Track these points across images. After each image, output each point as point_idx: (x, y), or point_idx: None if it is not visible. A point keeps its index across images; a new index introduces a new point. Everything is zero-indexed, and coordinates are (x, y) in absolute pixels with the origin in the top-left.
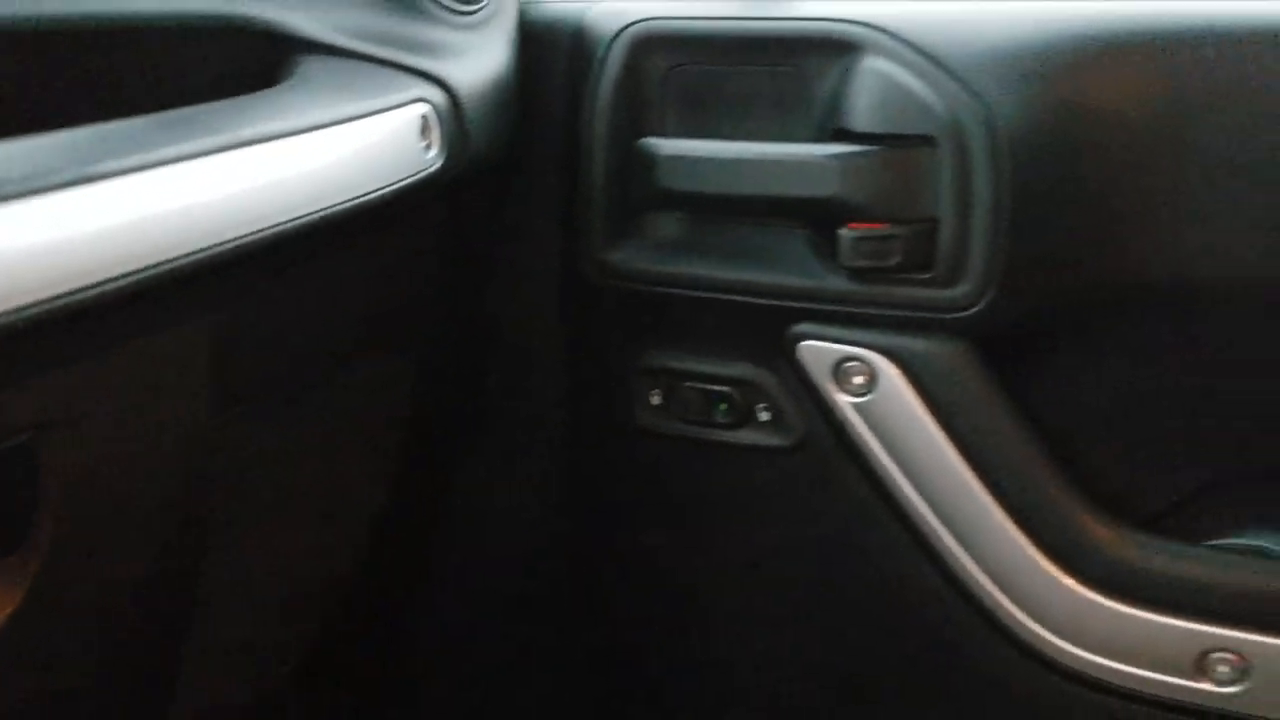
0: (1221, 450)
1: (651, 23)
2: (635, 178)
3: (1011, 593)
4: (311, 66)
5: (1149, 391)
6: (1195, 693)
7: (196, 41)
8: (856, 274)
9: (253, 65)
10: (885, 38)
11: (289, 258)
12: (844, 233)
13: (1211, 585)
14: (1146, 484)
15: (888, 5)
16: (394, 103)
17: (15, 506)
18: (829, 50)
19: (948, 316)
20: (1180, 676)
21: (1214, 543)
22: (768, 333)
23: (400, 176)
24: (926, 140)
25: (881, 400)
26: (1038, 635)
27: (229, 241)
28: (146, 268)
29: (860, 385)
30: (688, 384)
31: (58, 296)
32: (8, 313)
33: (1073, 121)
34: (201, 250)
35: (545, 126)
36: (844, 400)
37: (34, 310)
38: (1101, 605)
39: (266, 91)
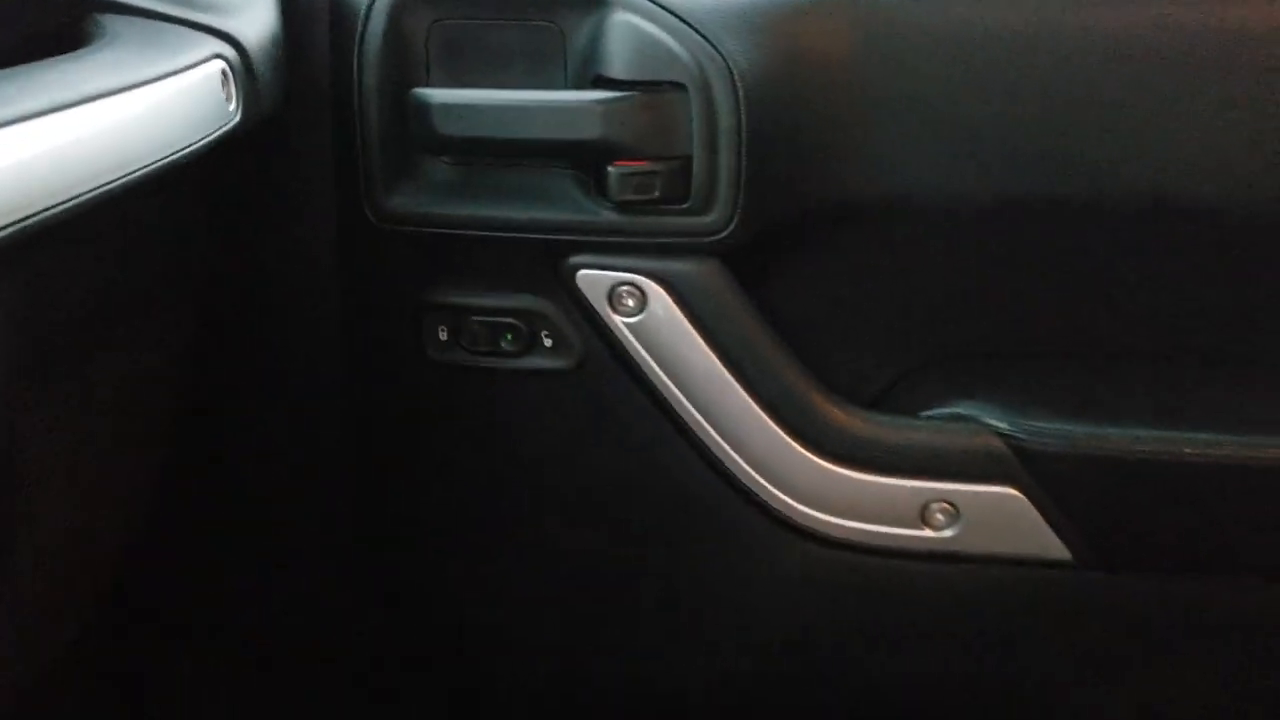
0: (928, 338)
1: None
2: (409, 126)
3: (766, 473)
4: (117, 25)
5: (866, 292)
6: (919, 539)
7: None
8: (623, 207)
9: (56, 26)
10: None
11: (102, 218)
12: (611, 170)
13: (927, 448)
14: (870, 370)
15: None
16: (198, 58)
17: None
18: (582, 6)
19: (703, 240)
20: (906, 527)
21: (926, 413)
22: (546, 265)
23: (209, 130)
24: (677, 86)
25: (651, 318)
26: (790, 505)
27: (52, 207)
28: None
29: (632, 307)
30: (474, 318)
31: None
32: None
33: (794, 67)
34: (26, 216)
35: (314, 83)
36: (619, 321)
37: None
38: (839, 474)
39: (80, 51)
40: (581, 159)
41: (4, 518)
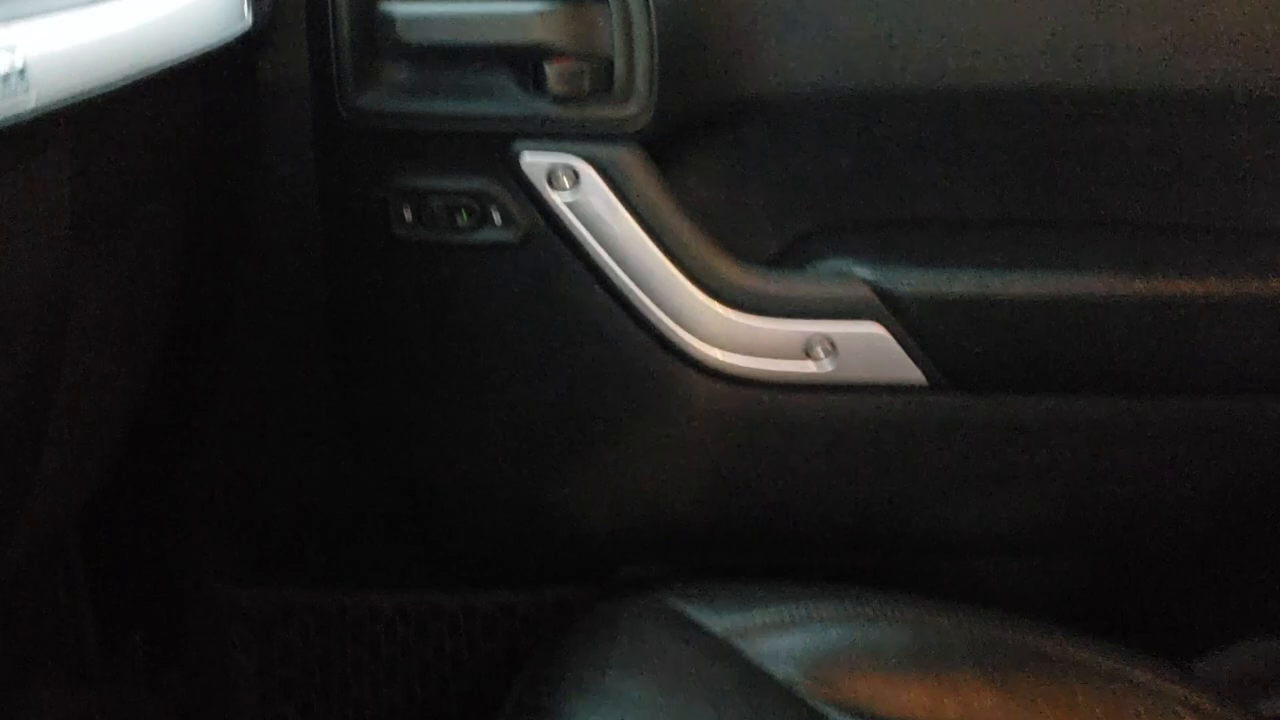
0: (815, 210)
1: None
2: (376, 36)
3: (682, 321)
4: None
5: (764, 173)
6: (805, 373)
7: None
8: (558, 100)
9: None
10: None
11: (143, 101)
12: (548, 68)
13: (809, 295)
14: (767, 237)
15: None
16: None
17: None
18: None
19: (625, 129)
20: (794, 360)
21: (810, 268)
22: (494, 151)
23: (228, 32)
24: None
25: (584, 195)
26: (702, 349)
27: (100, 86)
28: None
29: (568, 185)
30: (433, 199)
31: None
32: None
33: None
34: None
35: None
36: (557, 198)
37: None
38: (740, 320)
39: None
40: (522, 60)
41: (53, 360)
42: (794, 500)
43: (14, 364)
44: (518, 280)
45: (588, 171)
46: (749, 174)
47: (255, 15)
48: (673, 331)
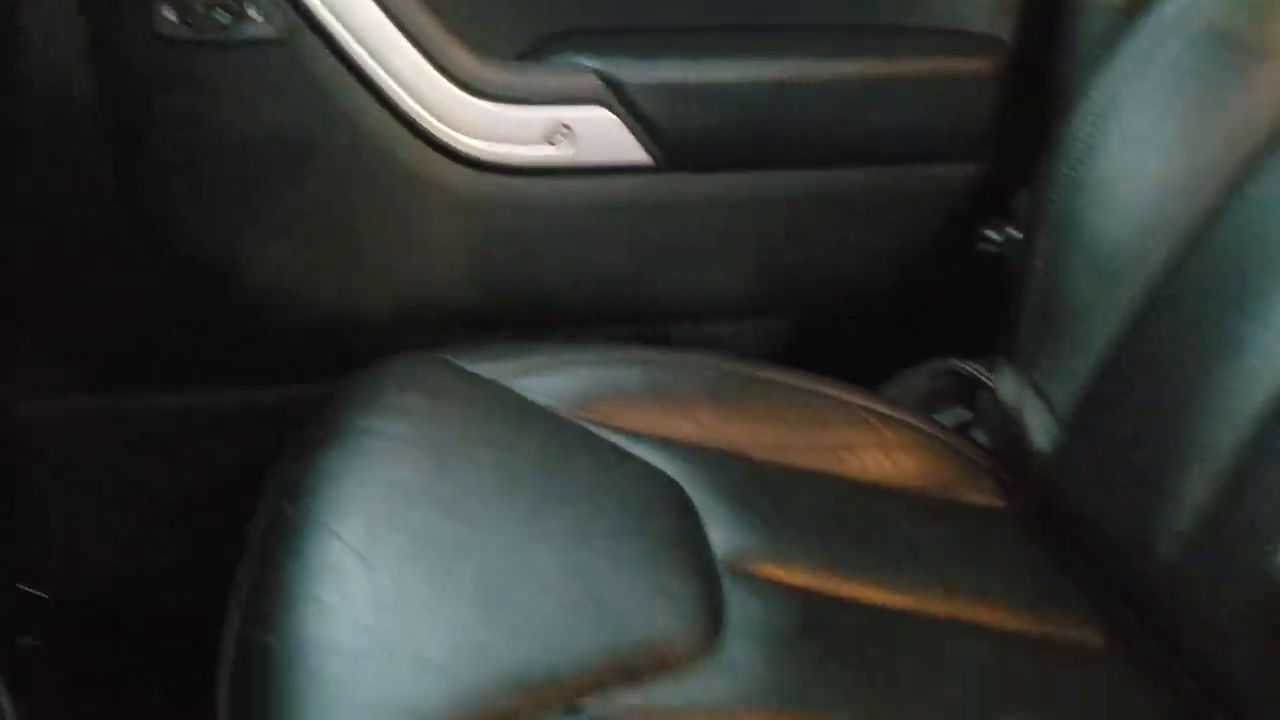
0: (558, 13)
1: None
2: None
3: (434, 111)
4: None
5: None
6: (546, 157)
7: None
8: None
9: None
10: None
11: None
12: None
13: (547, 84)
14: (516, 37)
15: None
16: None
17: None
18: None
19: None
20: (536, 146)
21: (548, 59)
22: None
23: None
24: None
25: None
26: (451, 136)
27: None
28: None
29: None
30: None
31: None
32: None
33: None
34: None
35: None
36: None
37: None
38: (486, 108)
39: None
40: None
41: None
42: (547, 279)
43: None
44: (280, 77)
45: None
46: None
47: None
48: (426, 121)
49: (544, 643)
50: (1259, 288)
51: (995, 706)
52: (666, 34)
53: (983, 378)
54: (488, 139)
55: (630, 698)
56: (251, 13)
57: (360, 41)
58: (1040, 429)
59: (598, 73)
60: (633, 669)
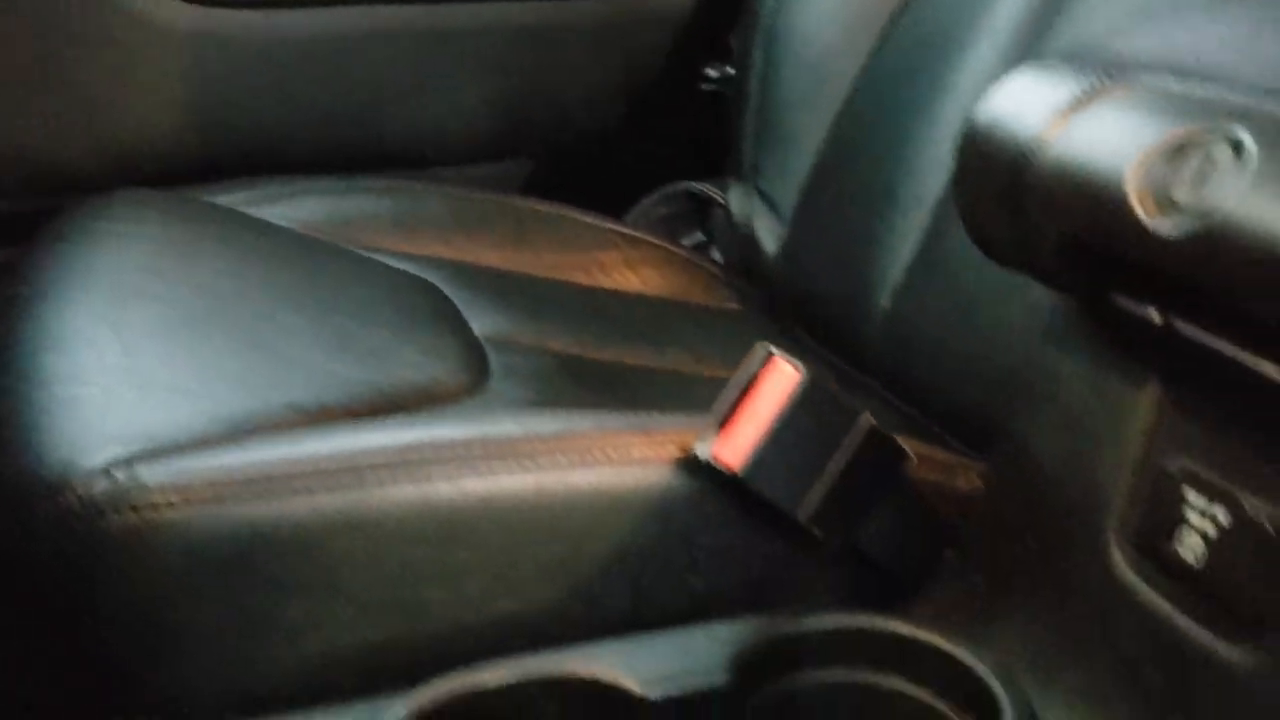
0: None
1: None
2: None
3: None
4: None
5: None
6: None
7: None
8: None
9: None
10: None
11: None
12: None
13: None
14: None
15: None
16: None
17: None
18: None
19: None
20: None
21: None
22: None
23: None
24: None
25: None
26: None
27: None
28: None
29: None
30: None
31: None
32: None
33: None
34: None
35: None
36: None
37: None
38: None
39: None
40: None
41: None
42: (271, 121)
43: None
44: None
45: None
46: None
47: None
48: None
49: (306, 377)
50: (942, 63)
51: None
52: None
53: (716, 197)
54: None
55: (407, 425)
56: None
57: None
58: (769, 233)
59: None
60: (402, 403)
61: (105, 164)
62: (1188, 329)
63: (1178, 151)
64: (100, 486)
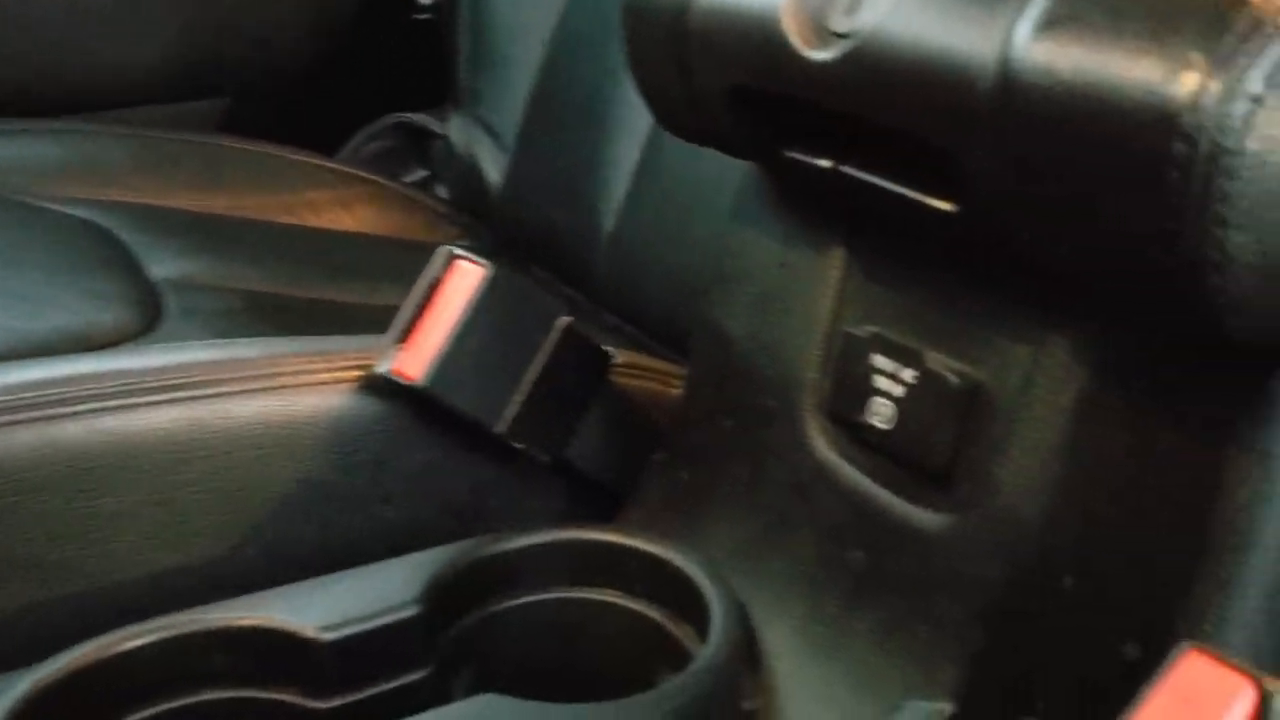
0: None
1: None
2: None
3: None
4: None
5: None
6: None
7: None
8: None
9: None
10: None
11: None
12: None
13: None
14: None
15: None
16: None
17: None
18: None
19: None
20: None
21: None
22: None
23: None
24: None
25: None
26: None
27: None
28: None
29: None
30: None
31: None
32: None
33: None
34: None
35: None
36: None
37: None
38: None
39: None
40: None
41: None
42: None
43: None
44: None
45: None
46: None
47: None
48: None
49: None
50: None
51: None
52: None
53: (433, 129)
54: None
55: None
56: None
57: None
58: (492, 163)
59: None
60: (50, 349)
61: None
62: (856, 172)
63: None
64: None
